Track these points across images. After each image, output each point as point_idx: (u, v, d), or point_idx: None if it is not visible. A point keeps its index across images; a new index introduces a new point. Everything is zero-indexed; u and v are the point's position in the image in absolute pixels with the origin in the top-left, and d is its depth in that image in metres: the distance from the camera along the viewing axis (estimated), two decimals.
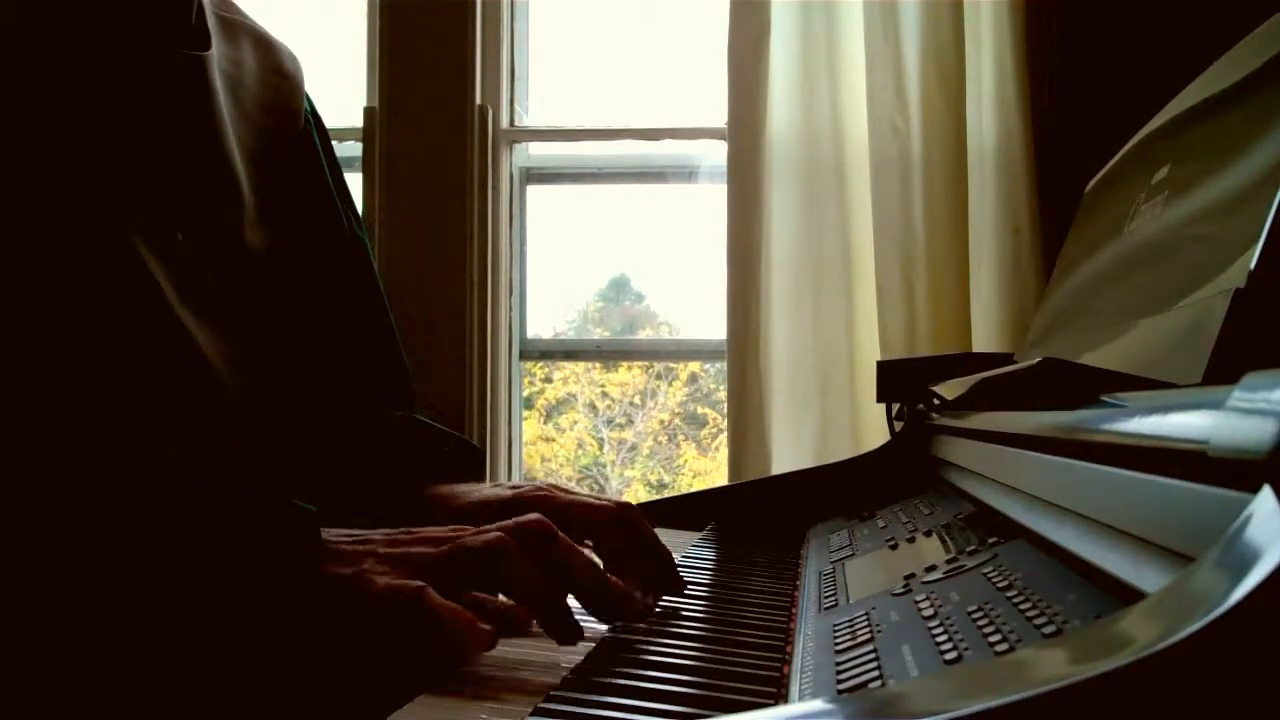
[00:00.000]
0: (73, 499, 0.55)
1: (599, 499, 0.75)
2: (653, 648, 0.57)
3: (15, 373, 0.62)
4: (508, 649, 0.58)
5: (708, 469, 2.39)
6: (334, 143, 2.07)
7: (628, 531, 0.71)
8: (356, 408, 0.87)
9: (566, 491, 0.76)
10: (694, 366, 2.37)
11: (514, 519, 0.60)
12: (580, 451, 2.49)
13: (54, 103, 0.68)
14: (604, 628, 0.62)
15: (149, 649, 0.53)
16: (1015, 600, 0.45)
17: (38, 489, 0.55)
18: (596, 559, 0.65)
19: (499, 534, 0.57)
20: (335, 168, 0.91)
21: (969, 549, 0.60)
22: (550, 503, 0.73)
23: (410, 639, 0.53)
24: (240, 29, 0.84)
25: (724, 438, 1.93)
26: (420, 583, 0.54)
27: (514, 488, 0.78)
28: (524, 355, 2.08)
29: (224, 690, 0.53)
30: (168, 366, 0.70)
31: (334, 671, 0.55)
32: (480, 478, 0.86)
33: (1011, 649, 0.40)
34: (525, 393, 2.21)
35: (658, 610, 0.67)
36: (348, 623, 0.55)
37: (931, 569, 0.59)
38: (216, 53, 0.79)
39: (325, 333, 0.86)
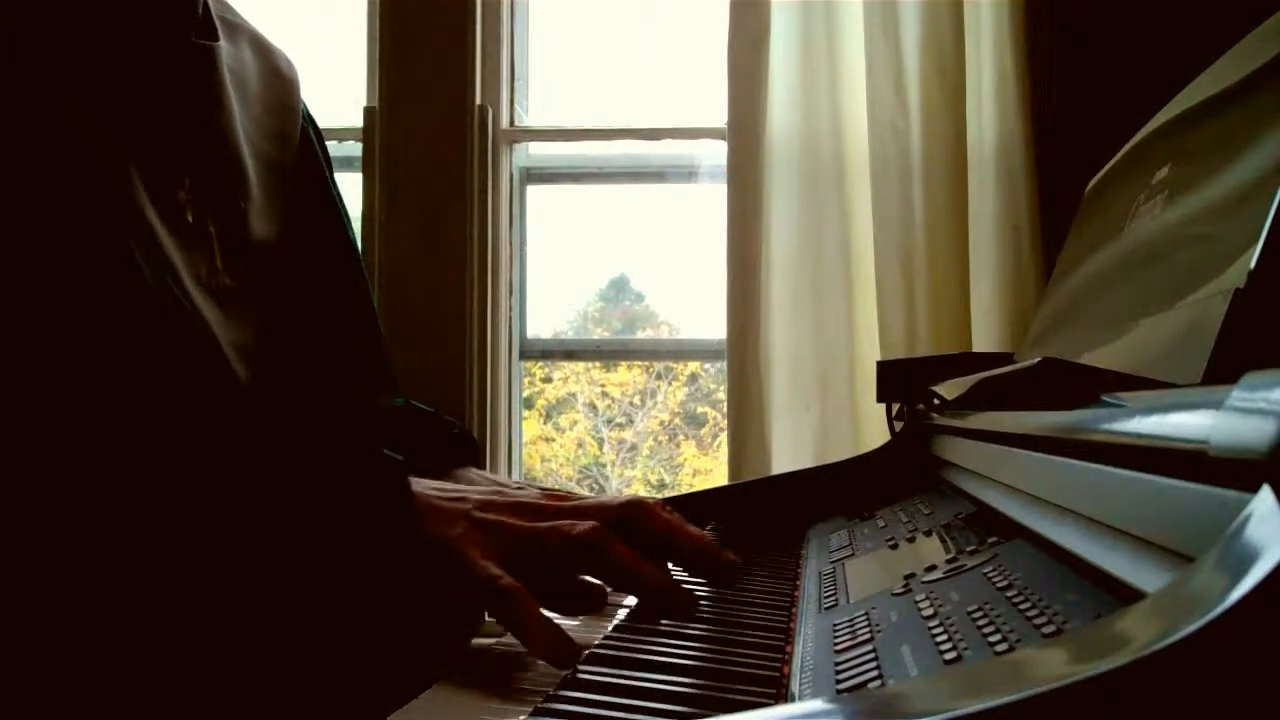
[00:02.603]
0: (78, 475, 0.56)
1: (605, 502, 0.76)
2: (653, 648, 0.57)
3: (27, 356, 0.63)
4: (511, 649, 0.58)
5: (708, 468, 2.39)
6: (334, 143, 2.05)
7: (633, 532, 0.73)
8: (346, 407, 0.88)
9: (573, 497, 0.77)
10: (694, 366, 2.37)
11: (609, 500, 0.64)
12: (580, 451, 2.49)
13: (65, 86, 0.69)
14: (601, 635, 0.62)
15: (246, 602, 0.55)
16: (1015, 600, 0.46)
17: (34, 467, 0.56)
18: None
19: (594, 525, 0.59)
20: (330, 169, 0.93)
21: (969, 549, 0.60)
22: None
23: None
24: (239, 30, 0.85)
25: (724, 436, 1.93)
26: (519, 585, 0.56)
27: (518, 488, 0.78)
28: (524, 355, 2.08)
29: (312, 640, 0.55)
30: (176, 344, 0.71)
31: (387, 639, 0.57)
32: (480, 464, 0.87)
33: (1011, 649, 0.40)
34: (525, 393, 2.21)
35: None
36: (440, 587, 0.57)
37: (931, 569, 0.59)
38: (222, 50, 0.80)
39: (320, 332, 0.87)
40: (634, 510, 0.63)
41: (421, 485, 0.61)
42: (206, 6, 0.79)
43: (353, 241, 0.94)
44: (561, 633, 0.56)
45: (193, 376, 0.71)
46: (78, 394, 0.63)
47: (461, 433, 0.88)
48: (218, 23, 0.81)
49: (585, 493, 0.81)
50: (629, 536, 0.62)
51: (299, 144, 0.88)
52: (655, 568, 0.61)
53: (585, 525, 0.60)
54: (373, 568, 0.57)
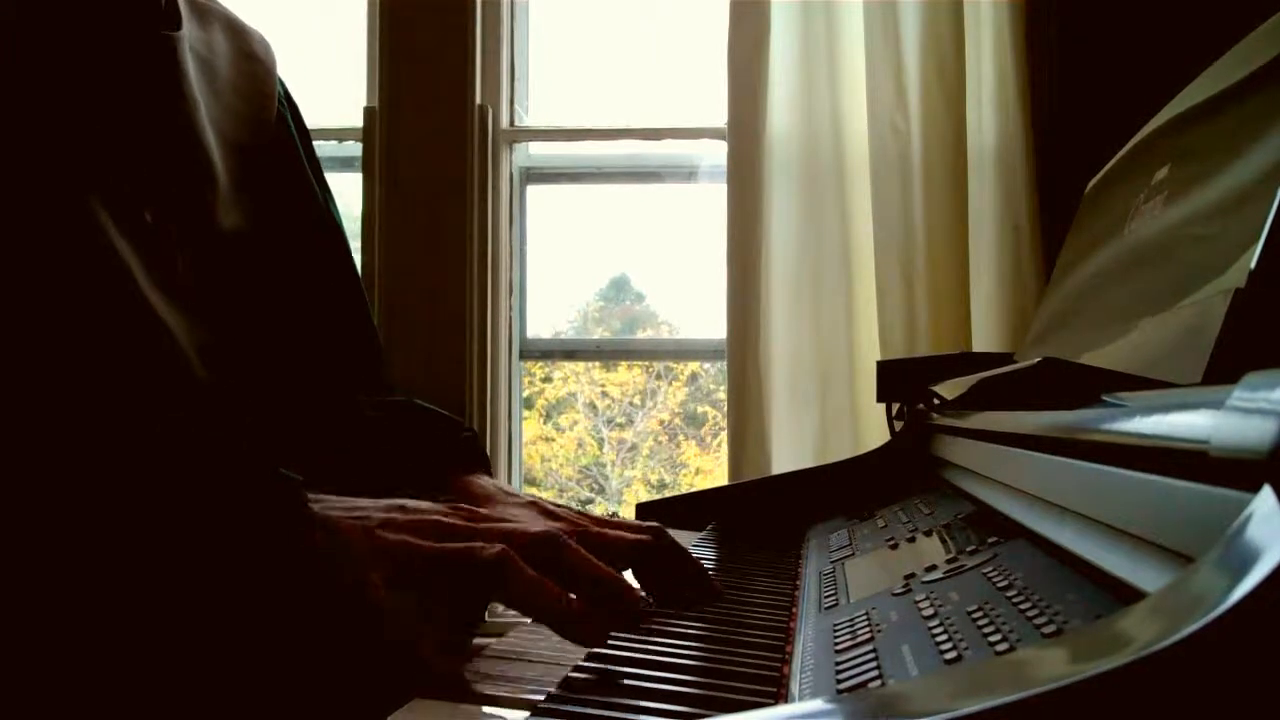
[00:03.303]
0: (54, 480, 0.55)
1: (624, 529, 0.74)
2: (653, 648, 0.57)
3: None
4: (506, 648, 0.58)
5: (708, 467, 2.39)
6: (334, 142, 2.05)
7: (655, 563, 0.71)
8: (330, 393, 0.86)
9: (595, 521, 0.76)
10: (694, 366, 2.37)
11: (520, 528, 0.59)
12: (580, 451, 2.49)
13: (17, 79, 0.66)
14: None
15: (133, 630, 0.52)
16: (1015, 600, 0.45)
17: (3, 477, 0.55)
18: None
19: (501, 549, 0.57)
20: (310, 153, 0.90)
21: (969, 549, 0.60)
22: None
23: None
24: (212, 14, 0.83)
25: (725, 436, 1.93)
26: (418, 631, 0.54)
27: (545, 511, 0.76)
28: (524, 355, 2.08)
29: (212, 674, 0.53)
30: (135, 350, 0.69)
31: (327, 666, 0.54)
32: (485, 464, 0.85)
33: (1011, 649, 0.40)
34: (525, 393, 2.21)
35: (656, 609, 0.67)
36: (345, 618, 0.54)
37: (931, 569, 0.59)
38: (189, 35, 0.78)
39: (300, 317, 0.85)
40: (545, 539, 0.58)
41: (323, 504, 0.57)
42: None
43: (337, 226, 0.91)
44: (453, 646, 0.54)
45: (145, 377, 0.68)
46: (12, 395, 0.60)
47: (470, 436, 0.86)
48: (188, 7, 0.79)
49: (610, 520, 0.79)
50: (539, 566, 0.57)
51: (275, 128, 0.86)
52: (560, 591, 0.56)
53: (493, 549, 0.56)
54: (268, 590, 0.54)
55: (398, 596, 0.54)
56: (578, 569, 0.58)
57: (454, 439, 0.84)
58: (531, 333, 2.09)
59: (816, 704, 0.37)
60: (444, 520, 0.59)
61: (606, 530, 0.73)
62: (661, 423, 2.44)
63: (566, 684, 0.50)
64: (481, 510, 0.62)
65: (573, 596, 0.57)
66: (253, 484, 0.56)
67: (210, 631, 0.53)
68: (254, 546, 0.54)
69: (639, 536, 0.73)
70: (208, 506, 0.55)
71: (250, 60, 0.85)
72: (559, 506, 0.77)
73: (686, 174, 2.05)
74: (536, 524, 0.60)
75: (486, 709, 0.49)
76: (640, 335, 2.37)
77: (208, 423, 0.71)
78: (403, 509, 0.59)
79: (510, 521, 0.60)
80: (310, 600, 0.54)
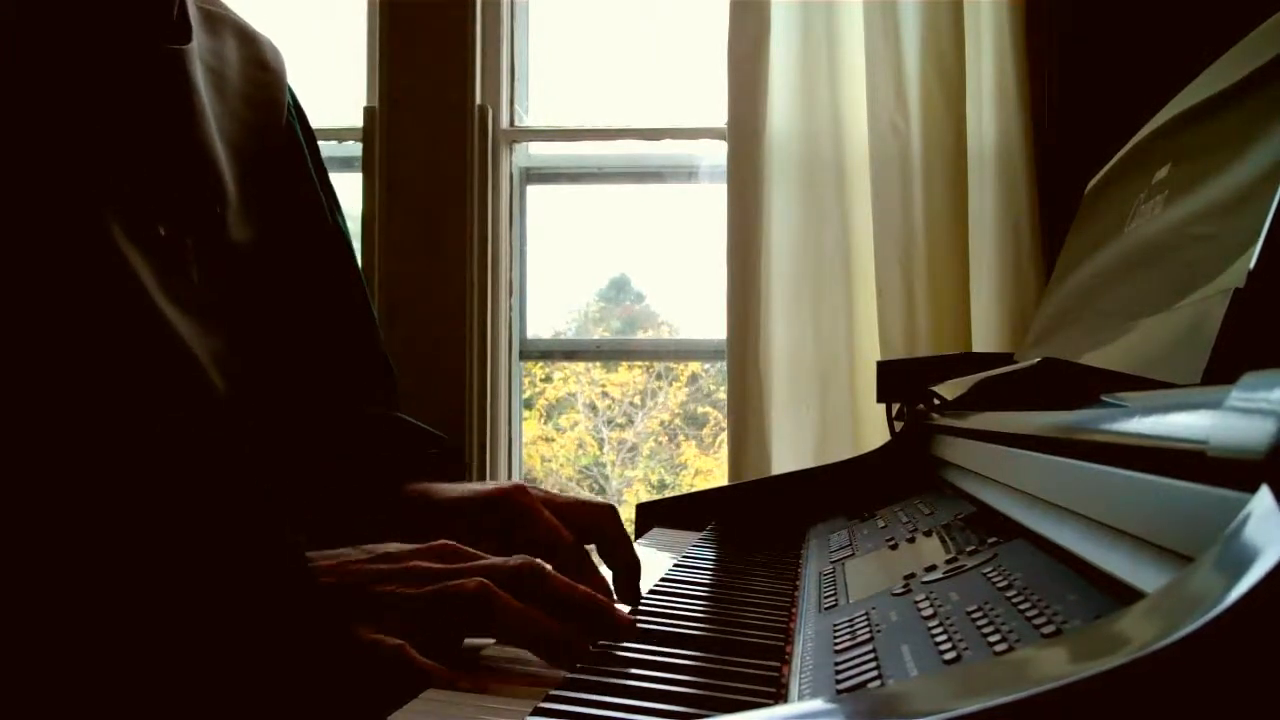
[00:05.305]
0: (53, 501, 0.55)
1: (579, 500, 0.75)
2: (653, 648, 0.57)
3: None
4: (508, 648, 0.58)
5: (709, 468, 2.39)
6: (334, 143, 2.05)
7: (603, 532, 0.72)
8: (336, 402, 0.86)
9: (545, 493, 0.76)
10: (694, 366, 2.37)
11: (500, 561, 0.60)
12: (580, 451, 2.48)
13: (30, 95, 0.66)
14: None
15: (121, 670, 0.53)
16: (1015, 600, 0.46)
17: (10, 491, 0.55)
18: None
19: (482, 582, 0.57)
20: (318, 160, 0.90)
21: (969, 549, 0.60)
22: (528, 497, 0.73)
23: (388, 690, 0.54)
24: (222, 22, 0.83)
25: (725, 436, 1.93)
26: (399, 642, 0.54)
27: (492, 483, 0.77)
28: (524, 355, 2.08)
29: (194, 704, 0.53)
30: (150, 361, 0.69)
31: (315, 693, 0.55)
32: (459, 477, 0.85)
33: (1011, 649, 0.40)
34: (525, 393, 2.21)
35: (656, 609, 0.67)
36: (328, 663, 0.55)
37: (931, 569, 0.59)
38: (199, 45, 0.78)
39: (307, 328, 0.85)
40: (526, 571, 0.60)
41: (313, 559, 0.58)
42: (183, 5, 0.77)
43: (344, 234, 0.91)
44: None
45: (159, 388, 0.69)
46: (29, 406, 0.60)
47: (439, 446, 0.86)
48: (199, 16, 0.79)
49: (582, 491, 0.79)
50: (524, 596, 0.59)
51: (284, 136, 0.86)
52: (546, 618, 0.58)
53: (471, 583, 0.57)
54: (271, 656, 0.55)
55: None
56: (560, 595, 0.60)
57: (417, 451, 0.84)
58: (531, 333, 2.09)
59: (816, 704, 0.37)
60: (425, 565, 0.60)
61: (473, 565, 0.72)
62: (662, 423, 2.43)
63: (567, 684, 0.50)
64: (462, 548, 0.62)
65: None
66: (258, 552, 0.57)
67: (188, 665, 0.53)
68: (256, 612, 0.55)
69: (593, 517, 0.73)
70: (213, 569, 0.56)
71: (260, 68, 0.85)
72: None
73: (686, 174, 2.05)
74: (513, 559, 0.61)
75: (494, 699, 0.49)
76: (640, 335, 2.37)
77: (210, 440, 0.72)
78: (388, 557, 0.60)
79: (485, 559, 0.61)
80: (297, 630, 0.55)
